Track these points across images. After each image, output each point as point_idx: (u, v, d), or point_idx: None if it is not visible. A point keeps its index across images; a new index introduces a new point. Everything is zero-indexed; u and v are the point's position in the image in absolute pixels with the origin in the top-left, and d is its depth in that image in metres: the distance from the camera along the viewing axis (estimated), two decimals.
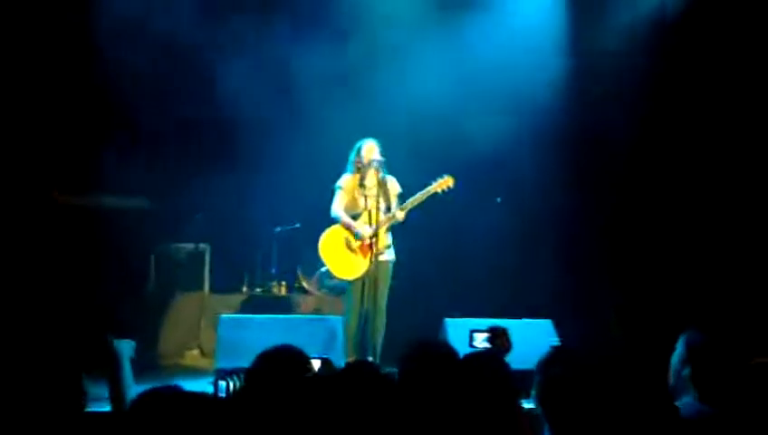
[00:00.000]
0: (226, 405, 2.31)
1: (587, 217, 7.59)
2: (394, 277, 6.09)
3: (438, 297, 7.04)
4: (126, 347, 3.33)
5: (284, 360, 2.73)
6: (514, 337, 4.10)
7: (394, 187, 6.10)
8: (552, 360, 2.77)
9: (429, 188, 6.00)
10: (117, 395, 3.16)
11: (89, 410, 2.72)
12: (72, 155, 7.12)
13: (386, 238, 6.01)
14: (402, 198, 6.07)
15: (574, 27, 7.50)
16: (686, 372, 3.12)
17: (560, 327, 5.77)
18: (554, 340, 5.34)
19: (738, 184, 7.28)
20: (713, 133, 7.29)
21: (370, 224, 5.93)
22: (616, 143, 7.50)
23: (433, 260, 7.42)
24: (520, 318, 5.65)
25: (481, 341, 4.46)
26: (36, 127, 6.98)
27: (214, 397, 2.41)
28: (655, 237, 7.52)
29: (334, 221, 6.12)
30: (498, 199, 7.34)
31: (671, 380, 3.16)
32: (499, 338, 3.97)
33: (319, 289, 7.59)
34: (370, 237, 5.91)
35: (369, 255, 5.93)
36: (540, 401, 2.75)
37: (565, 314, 6.28)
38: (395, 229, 6.09)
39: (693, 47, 7.21)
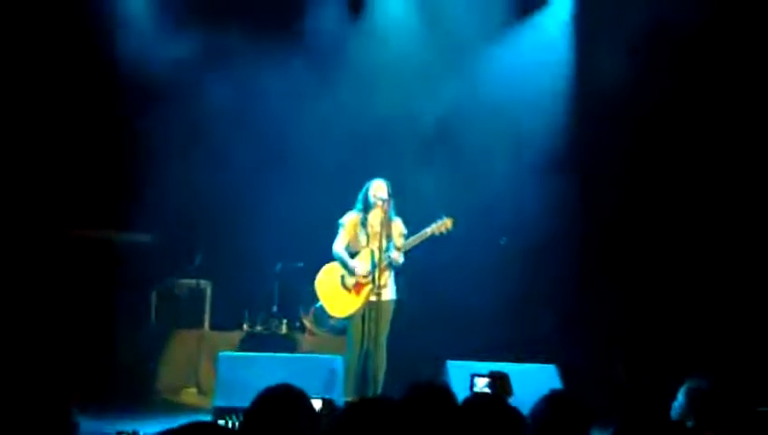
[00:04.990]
0: None
1: (592, 259, 7.56)
2: (396, 316, 6.03)
3: (440, 337, 6.98)
4: None
5: (285, 399, 2.68)
6: (517, 383, 4.04)
7: (398, 227, 6.03)
8: (545, 407, 2.73)
9: (427, 230, 5.89)
10: None
11: None
12: (82, 190, 7.17)
13: (384, 277, 5.89)
14: (406, 239, 6.02)
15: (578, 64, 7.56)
16: (690, 423, 3.07)
17: (564, 370, 5.69)
18: (557, 386, 5.26)
19: (748, 232, 7.26)
20: (720, 170, 7.28)
21: (372, 262, 5.88)
22: (619, 180, 7.52)
23: (435, 299, 7.38)
24: (523, 359, 5.57)
25: (482, 386, 4.39)
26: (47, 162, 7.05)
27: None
28: (660, 282, 7.48)
29: (335, 258, 6.10)
30: (502, 241, 7.30)
31: None
32: (500, 384, 3.91)
33: (316, 325, 7.53)
34: (365, 276, 5.87)
35: (364, 293, 5.89)
36: None
37: (570, 357, 6.23)
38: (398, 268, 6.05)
39: (692, 79, 7.25)
